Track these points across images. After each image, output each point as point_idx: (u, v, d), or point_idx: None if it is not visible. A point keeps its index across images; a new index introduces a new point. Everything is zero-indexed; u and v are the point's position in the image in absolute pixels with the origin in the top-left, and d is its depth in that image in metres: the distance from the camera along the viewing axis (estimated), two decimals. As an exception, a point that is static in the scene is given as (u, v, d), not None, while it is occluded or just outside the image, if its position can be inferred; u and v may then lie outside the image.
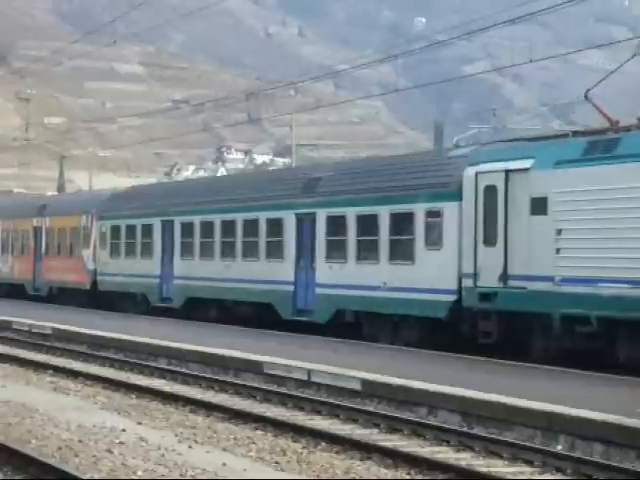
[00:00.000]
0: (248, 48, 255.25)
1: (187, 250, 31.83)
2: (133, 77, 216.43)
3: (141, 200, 35.55)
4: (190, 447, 12.91)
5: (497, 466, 12.17)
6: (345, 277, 24.82)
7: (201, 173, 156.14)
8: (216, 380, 19.00)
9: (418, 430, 14.05)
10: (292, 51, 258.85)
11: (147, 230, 33.80)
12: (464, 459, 12.51)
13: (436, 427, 14.00)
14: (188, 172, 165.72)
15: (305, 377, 18.08)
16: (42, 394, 17.77)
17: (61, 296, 39.71)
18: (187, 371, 20.46)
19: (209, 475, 11.21)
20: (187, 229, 31.94)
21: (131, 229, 34.91)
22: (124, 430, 13.91)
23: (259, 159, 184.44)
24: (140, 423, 14.74)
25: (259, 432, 14.16)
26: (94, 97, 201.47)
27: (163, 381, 19.66)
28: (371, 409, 15.56)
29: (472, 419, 14.51)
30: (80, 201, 40.52)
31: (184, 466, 11.59)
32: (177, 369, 20.84)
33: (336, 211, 25.49)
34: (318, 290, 25.78)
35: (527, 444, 12.80)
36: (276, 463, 12.07)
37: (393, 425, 14.48)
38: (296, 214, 26.89)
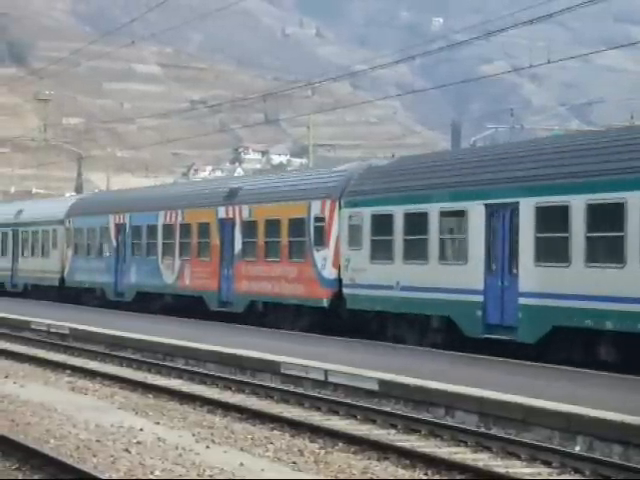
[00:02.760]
0: (266, 49, 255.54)
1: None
2: (151, 78, 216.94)
3: (440, 171, 23.63)
4: (207, 447, 12.92)
5: (515, 467, 12.13)
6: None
7: (218, 174, 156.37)
8: (233, 380, 19.00)
9: (435, 430, 14.02)
10: (309, 51, 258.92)
11: (458, 221, 22.45)
12: (482, 460, 12.47)
13: (454, 427, 13.96)
14: (205, 172, 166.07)
15: (322, 377, 18.07)
16: (60, 394, 17.82)
17: (270, 316, 28.67)
18: (204, 371, 20.47)
19: (226, 475, 11.21)
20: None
21: (413, 219, 23.43)
22: (142, 430, 13.93)
23: (276, 159, 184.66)
24: (158, 423, 14.76)
25: (276, 432, 14.15)
26: (112, 98, 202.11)
27: (180, 381, 19.68)
28: (388, 409, 15.53)
29: (490, 419, 14.47)
30: (306, 181, 28.43)
31: (201, 466, 11.59)
32: (195, 369, 20.86)
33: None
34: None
35: (545, 445, 12.75)
36: (293, 463, 12.06)
37: (410, 425, 14.45)
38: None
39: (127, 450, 12.41)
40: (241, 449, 12.90)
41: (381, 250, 24.16)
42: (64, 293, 41.14)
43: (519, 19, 29.32)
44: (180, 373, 20.52)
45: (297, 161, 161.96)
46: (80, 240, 39.82)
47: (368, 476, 11.49)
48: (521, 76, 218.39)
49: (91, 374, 20.35)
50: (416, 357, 20.44)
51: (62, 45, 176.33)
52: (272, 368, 19.44)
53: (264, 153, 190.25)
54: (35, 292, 43.77)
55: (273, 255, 28.21)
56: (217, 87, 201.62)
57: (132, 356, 23.38)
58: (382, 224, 24.15)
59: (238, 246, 29.79)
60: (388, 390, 16.56)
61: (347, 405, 15.99)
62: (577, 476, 11.77)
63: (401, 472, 11.78)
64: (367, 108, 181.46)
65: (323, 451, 12.81)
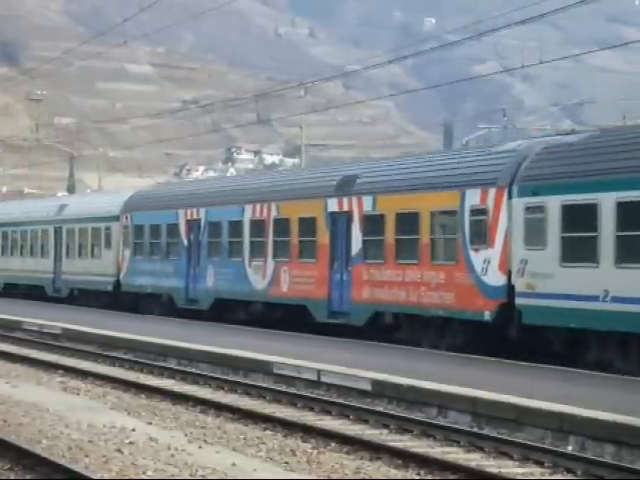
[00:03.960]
0: (258, 48, 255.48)
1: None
2: (143, 78, 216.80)
3: None
4: (200, 447, 12.91)
5: (507, 467, 12.14)
6: None
7: (211, 174, 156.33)
8: (226, 380, 19.00)
9: (428, 430, 14.03)
10: (302, 51, 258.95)
11: None
12: (474, 460, 12.48)
13: (446, 427, 13.97)
14: (198, 172, 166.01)
15: (315, 377, 18.07)
16: (52, 394, 17.80)
17: (404, 330, 23.58)
18: (197, 371, 20.47)
19: (219, 475, 11.20)
20: None
21: (631, 209, 18.09)
22: (134, 430, 13.92)
23: (269, 159, 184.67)
24: (150, 423, 14.75)
25: (269, 432, 14.15)
26: (105, 98, 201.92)
27: (173, 381, 19.67)
28: (381, 409, 15.54)
29: (482, 419, 14.48)
30: (457, 164, 22.72)
31: (194, 466, 11.59)
32: (187, 369, 20.85)
33: None
34: None
35: (538, 445, 12.76)
36: (286, 463, 12.06)
37: (403, 425, 14.46)
38: None
39: (119, 450, 12.40)
40: (233, 449, 12.89)
41: (577, 250, 18.94)
42: (119, 299, 35.88)
43: (511, 19, 29.38)
44: (172, 373, 20.51)
45: (290, 161, 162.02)
46: (141, 239, 34.35)
47: (360, 476, 11.49)
48: (513, 76, 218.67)
49: (83, 374, 20.33)
50: (409, 357, 20.44)
51: (54, 45, 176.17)
52: (264, 368, 19.43)
53: (257, 153, 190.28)
54: (83, 298, 38.53)
55: (408, 256, 23.02)
56: (209, 87, 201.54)
57: (124, 356, 23.35)
58: (579, 216, 18.93)
59: (357, 245, 24.55)
60: (381, 390, 16.57)
61: (340, 405, 16.00)
62: (569, 476, 11.79)
63: (393, 472, 11.79)
64: (360, 108, 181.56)
65: (316, 451, 12.81)
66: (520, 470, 11.96)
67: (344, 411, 15.67)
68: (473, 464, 12.03)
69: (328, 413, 15.79)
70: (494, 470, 11.77)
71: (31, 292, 42.66)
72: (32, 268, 42.47)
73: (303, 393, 17.27)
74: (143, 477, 11.04)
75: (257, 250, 28.38)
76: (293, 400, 16.75)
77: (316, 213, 26.07)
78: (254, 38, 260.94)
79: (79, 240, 38.78)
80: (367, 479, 11.41)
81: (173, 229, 32.52)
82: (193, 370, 20.66)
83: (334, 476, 11.44)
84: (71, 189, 76.27)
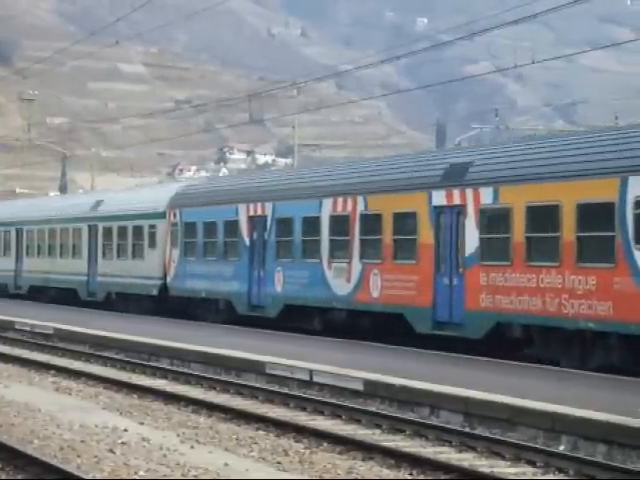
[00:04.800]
0: (251, 49, 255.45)
1: None
2: (136, 77, 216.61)
3: None
4: (192, 447, 12.90)
5: (500, 466, 12.15)
6: None
7: (203, 174, 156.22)
8: (218, 380, 18.98)
9: (420, 430, 14.03)
10: (295, 51, 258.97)
11: None
12: (466, 459, 12.49)
13: (438, 427, 13.98)
14: (190, 172, 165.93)
15: (307, 377, 18.06)
16: (44, 394, 17.77)
17: (537, 345, 20.08)
18: (189, 371, 20.45)
19: (211, 475, 11.20)
20: None
21: None
22: (126, 430, 13.90)
23: (261, 159, 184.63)
24: (142, 423, 14.74)
25: (261, 432, 14.14)
26: (97, 97, 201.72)
27: (165, 381, 19.65)
28: (373, 409, 15.54)
29: (475, 419, 14.49)
30: (610, 145, 18.84)
31: (186, 466, 11.58)
32: (179, 369, 20.83)
33: None
34: None
35: (530, 444, 12.77)
36: (278, 463, 12.06)
37: (395, 425, 14.46)
38: None
39: (111, 450, 12.39)
40: (226, 449, 12.88)
41: None
42: (166, 304, 32.36)
43: (504, 19, 29.42)
44: (165, 373, 20.49)
45: (282, 161, 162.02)
46: (193, 238, 30.72)
47: (353, 476, 11.49)
48: (506, 76, 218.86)
49: (75, 374, 20.30)
50: (401, 357, 20.44)
51: (47, 44, 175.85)
52: (257, 368, 19.42)
53: (249, 153, 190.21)
54: (123, 302, 34.96)
55: (543, 258, 19.48)
56: (202, 87, 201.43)
57: (116, 356, 23.33)
58: None
59: (472, 244, 21.05)
60: (373, 390, 16.57)
61: (332, 405, 15.99)
62: (561, 476, 11.80)
63: (386, 472, 11.79)
64: (352, 108, 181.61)
65: (308, 451, 12.81)
66: (512, 470, 11.97)
67: (336, 411, 15.66)
68: (465, 464, 12.04)
69: (321, 413, 15.79)
70: (486, 470, 11.77)
71: (60, 295, 39.26)
72: (62, 270, 39.02)
73: (296, 393, 17.26)
74: (135, 477, 11.03)
75: (339, 250, 24.87)
76: (286, 400, 16.74)
77: (417, 207, 22.51)
78: (247, 38, 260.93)
79: (118, 239, 35.26)
80: (359, 479, 11.41)
81: (232, 227, 28.99)
82: (185, 370, 20.64)
83: (326, 476, 11.44)
84: (63, 189, 76.15)
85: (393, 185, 23.59)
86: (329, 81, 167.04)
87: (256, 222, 28.04)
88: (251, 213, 28.25)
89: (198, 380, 19.28)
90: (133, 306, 34.16)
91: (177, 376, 19.99)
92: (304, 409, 16.13)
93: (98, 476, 10.91)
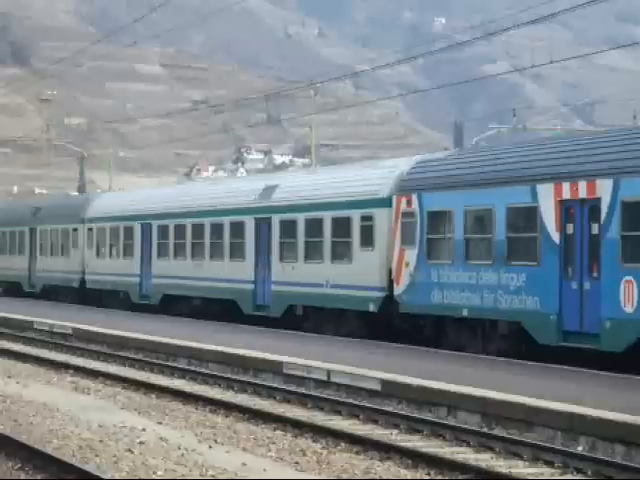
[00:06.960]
0: (268, 49, 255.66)
1: None
2: (153, 78, 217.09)
3: None
4: (210, 447, 12.93)
5: (517, 467, 12.13)
6: None
7: (220, 174, 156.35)
8: (236, 380, 19.01)
9: (438, 430, 14.02)
10: (312, 51, 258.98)
11: None
12: (484, 460, 12.47)
13: (456, 428, 13.96)
14: (208, 172, 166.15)
15: (325, 377, 18.07)
16: (63, 394, 17.83)
17: None
18: (207, 371, 20.48)
19: (229, 475, 11.22)
20: None
21: None
22: (144, 430, 13.94)
23: (279, 160, 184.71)
24: (160, 423, 14.77)
25: (279, 432, 14.16)
26: (115, 98, 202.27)
27: (183, 381, 19.69)
28: (390, 409, 15.53)
29: (492, 419, 14.46)
30: None
31: (204, 466, 11.60)
32: (197, 369, 20.87)
33: None
34: None
35: (548, 445, 12.75)
36: (296, 463, 12.07)
37: (413, 425, 14.46)
38: None
39: (130, 450, 12.42)
40: (244, 449, 12.90)
41: None
42: (393, 323, 23.85)
43: (521, 19, 29.37)
44: (183, 373, 20.53)
45: (299, 161, 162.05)
46: (440, 233, 22.19)
47: (370, 476, 11.49)
48: (523, 76, 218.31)
49: (94, 374, 20.36)
50: (418, 357, 20.43)
51: (64, 45, 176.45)
52: (274, 368, 19.44)
53: (266, 153, 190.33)
54: (317, 319, 26.33)
55: None
56: (219, 87, 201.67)
57: (135, 356, 23.38)
58: None
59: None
60: (390, 390, 16.56)
61: (349, 405, 16.00)
62: (579, 476, 11.77)
63: (403, 472, 11.79)
64: (369, 108, 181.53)
65: (325, 451, 12.82)
66: (530, 470, 11.95)
67: (354, 411, 15.67)
68: (483, 464, 12.02)
69: (338, 413, 15.79)
70: (504, 470, 11.76)
71: (206, 308, 31.26)
72: (214, 275, 30.42)
73: (313, 393, 17.27)
74: (153, 477, 11.06)
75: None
76: (303, 400, 16.76)
77: None
78: (264, 38, 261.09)
79: (306, 235, 26.63)
80: (377, 479, 11.41)
81: (522, 216, 20.16)
82: (203, 370, 20.67)
83: (344, 476, 11.45)
84: (82, 189, 76.36)
85: None
86: (346, 81, 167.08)
87: (574, 208, 18.98)
88: (565, 196, 19.07)
89: (216, 380, 19.30)
90: (332, 325, 25.76)
91: (195, 376, 20.02)
92: (321, 409, 16.14)
93: (117, 476, 10.95)
